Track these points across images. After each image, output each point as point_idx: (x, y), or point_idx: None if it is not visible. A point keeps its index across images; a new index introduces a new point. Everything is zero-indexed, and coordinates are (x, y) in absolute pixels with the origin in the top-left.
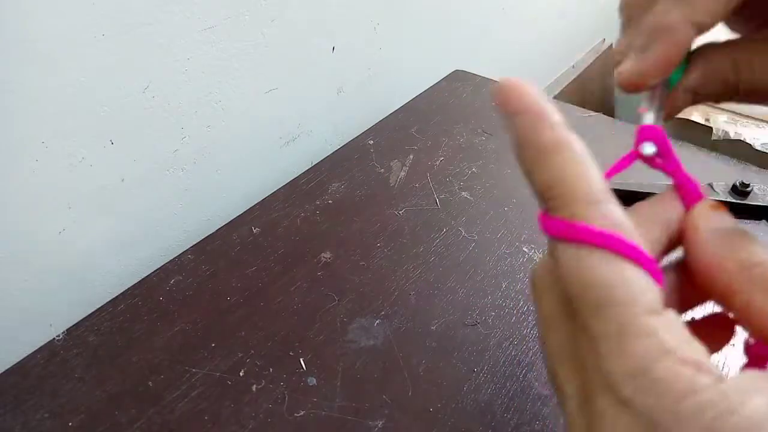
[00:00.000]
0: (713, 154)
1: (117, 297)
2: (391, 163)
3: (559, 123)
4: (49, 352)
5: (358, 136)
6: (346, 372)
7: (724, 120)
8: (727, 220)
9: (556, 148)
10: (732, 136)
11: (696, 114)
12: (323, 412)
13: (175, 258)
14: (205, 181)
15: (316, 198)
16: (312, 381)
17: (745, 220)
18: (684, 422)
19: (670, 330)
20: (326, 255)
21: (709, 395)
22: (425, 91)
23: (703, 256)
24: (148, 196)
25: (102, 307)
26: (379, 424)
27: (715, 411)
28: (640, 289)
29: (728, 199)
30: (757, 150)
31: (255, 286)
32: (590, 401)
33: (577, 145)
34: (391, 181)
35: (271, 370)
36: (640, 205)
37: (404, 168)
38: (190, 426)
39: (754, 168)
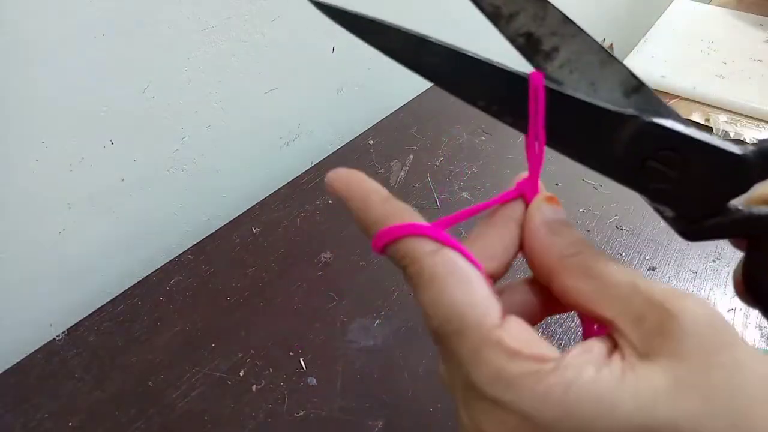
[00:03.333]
0: None
1: (117, 297)
2: (391, 163)
3: (382, 197)
4: (49, 352)
5: (358, 136)
6: (346, 372)
7: (724, 120)
8: (556, 211)
9: (391, 213)
10: (732, 136)
11: (696, 114)
12: (323, 412)
13: (175, 258)
14: (205, 181)
15: (316, 198)
16: (312, 381)
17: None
18: (541, 404)
19: (513, 336)
20: (326, 255)
21: (554, 378)
22: (425, 91)
23: (533, 244)
24: (148, 196)
25: (102, 307)
26: (379, 424)
27: (560, 388)
28: (484, 311)
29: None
30: None
31: (255, 286)
32: (471, 415)
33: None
34: (391, 181)
35: (271, 370)
36: (491, 211)
37: (404, 168)
38: (190, 426)
39: None
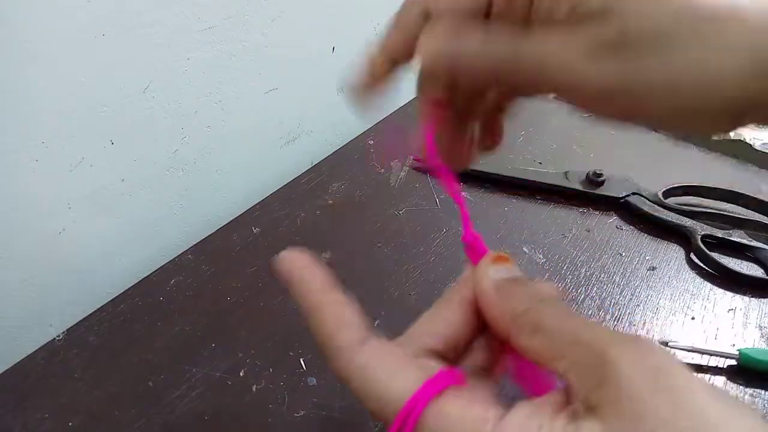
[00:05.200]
0: (713, 154)
1: (117, 297)
2: (391, 163)
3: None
4: (49, 352)
5: (358, 136)
6: None
7: None
8: (504, 269)
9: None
10: (732, 135)
11: None
12: (323, 412)
13: (175, 258)
14: (205, 181)
15: (316, 198)
16: (312, 381)
17: (595, 212)
18: None
19: (453, 395)
20: (326, 255)
21: None
22: None
23: (486, 310)
24: (148, 196)
25: (102, 307)
26: (380, 424)
27: None
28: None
29: (579, 188)
30: (757, 150)
31: (255, 286)
32: None
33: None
34: (391, 181)
35: (271, 370)
36: (448, 291)
37: (404, 168)
38: (190, 426)
39: (754, 168)
